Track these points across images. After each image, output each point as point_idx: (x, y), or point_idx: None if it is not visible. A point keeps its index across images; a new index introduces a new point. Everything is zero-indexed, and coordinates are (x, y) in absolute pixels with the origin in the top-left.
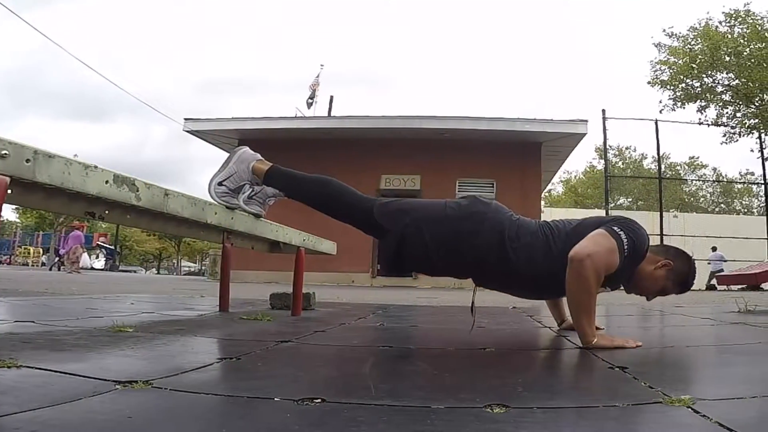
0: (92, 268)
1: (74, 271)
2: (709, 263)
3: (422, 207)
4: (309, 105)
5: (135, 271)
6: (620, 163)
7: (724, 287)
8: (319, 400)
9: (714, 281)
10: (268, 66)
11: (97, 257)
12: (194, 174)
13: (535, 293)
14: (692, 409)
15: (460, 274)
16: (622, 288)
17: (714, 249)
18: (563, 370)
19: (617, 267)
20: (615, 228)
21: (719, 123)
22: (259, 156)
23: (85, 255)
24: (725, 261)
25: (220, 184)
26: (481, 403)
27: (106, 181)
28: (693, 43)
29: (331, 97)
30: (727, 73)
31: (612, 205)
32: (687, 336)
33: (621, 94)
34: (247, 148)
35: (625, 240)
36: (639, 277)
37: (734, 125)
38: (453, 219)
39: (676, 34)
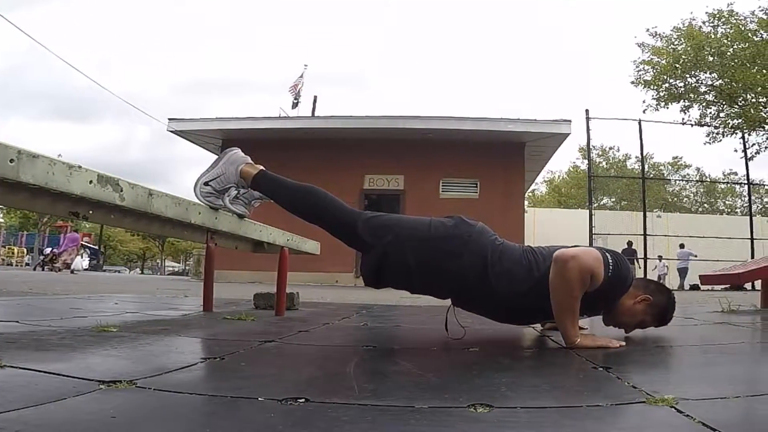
0: (86, 270)
1: (62, 269)
2: (678, 260)
3: (407, 225)
4: (294, 105)
5: (119, 271)
6: (604, 163)
7: (708, 287)
8: (302, 400)
9: (684, 281)
10: (253, 67)
11: (81, 257)
12: (178, 174)
13: (513, 319)
14: (675, 408)
15: (439, 294)
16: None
17: (681, 246)
18: (547, 370)
19: (600, 282)
20: (601, 249)
21: (702, 123)
22: (249, 159)
23: (78, 258)
24: (694, 258)
25: (206, 184)
26: (465, 403)
27: (90, 181)
28: (676, 43)
29: (315, 97)
30: (710, 73)
31: (596, 205)
32: (670, 336)
33: (605, 94)
34: (238, 150)
35: (611, 261)
36: (619, 310)
37: (717, 125)
38: (436, 239)
39: (659, 34)
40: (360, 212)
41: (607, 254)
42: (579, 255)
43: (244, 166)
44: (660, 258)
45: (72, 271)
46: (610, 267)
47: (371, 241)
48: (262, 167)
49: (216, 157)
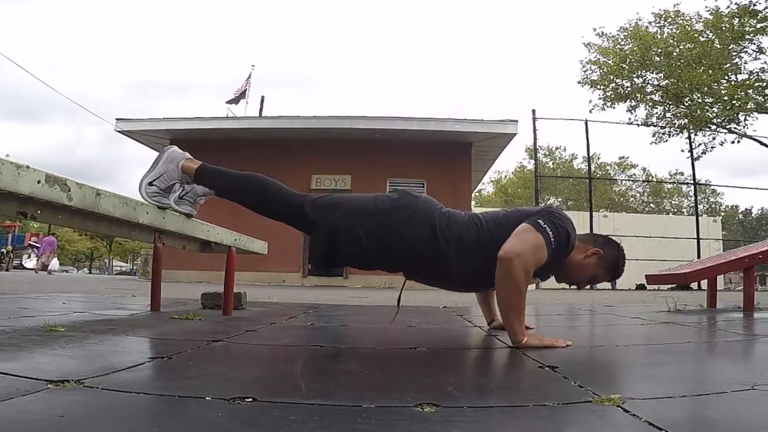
0: (66, 272)
1: (37, 270)
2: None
3: (353, 201)
4: (236, 101)
5: (67, 271)
6: (550, 163)
7: (654, 287)
8: (250, 400)
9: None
10: (200, 68)
11: (29, 257)
12: (127, 174)
13: (466, 285)
14: (622, 408)
15: (391, 267)
16: (553, 279)
17: None
18: (494, 370)
19: (546, 261)
20: (540, 222)
21: (649, 123)
22: (188, 155)
23: (54, 259)
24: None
25: (150, 184)
26: (412, 402)
27: (38, 181)
28: (623, 43)
29: (263, 98)
30: (657, 73)
31: (542, 204)
32: (617, 335)
33: (552, 94)
34: (175, 148)
35: (551, 233)
36: (569, 266)
37: (664, 125)
38: (384, 212)
39: (606, 34)
40: (305, 194)
41: (546, 227)
42: (523, 253)
43: (185, 162)
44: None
45: (49, 272)
46: (553, 242)
47: (319, 220)
48: (202, 162)
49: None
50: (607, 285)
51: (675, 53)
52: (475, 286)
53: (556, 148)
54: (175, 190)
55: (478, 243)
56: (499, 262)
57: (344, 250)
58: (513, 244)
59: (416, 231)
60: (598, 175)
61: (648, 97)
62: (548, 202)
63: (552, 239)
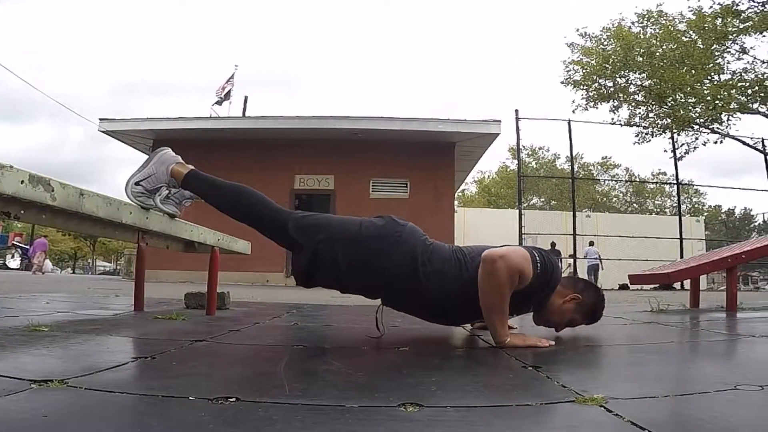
0: (53, 272)
1: (37, 272)
2: (585, 257)
3: (338, 224)
4: (220, 102)
5: (52, 271)
6: (533, 163)
7: (637, 287)
8: (233, 399)
9: (595, 278)
10: (184, 68)
11: (13, 257)
12: (111, 174)
13: (445, 319)
14: (605, 407)
15: (369, 293)
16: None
17: (591, 244)
18: (476, 369)
19: (529, 280)
20: (528, 247)
21: (632, 123)
22: (179, 159)
23: (47, 261)
24: (594, 259)
25: (137, 184)
26: (395, 402)
27: (22, 181)
28: (606, 43)
29: (246, 98)
30: (639, 74)
31: (525, 204)
32: (600, 335)
33: (535, 94)
34: (168, 150)
35: (538, 258)
36: (548, 310)
37: (647, 125)
38: (366, 239)
39: (589, 35)
40: (291, 212)
41: (534, 252)
42: (507, 254)
43: (175, 166)
44: (591, 243)
45: (42, 273)
46: (538, 265)
47: (302, 240)
48: (192, 167)
49: (147, 157)
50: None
51: (658, 53)
52: (453, 321)
53: (540, 148)
54: (161, 193)
55: (460, 279)
56: (483, 263)
57: (323, 272)
58: (497, 249)
59: (397, 261)
60: (581, 175)
61: (631, 97)
62: (531, 202)
63: (538, 262)
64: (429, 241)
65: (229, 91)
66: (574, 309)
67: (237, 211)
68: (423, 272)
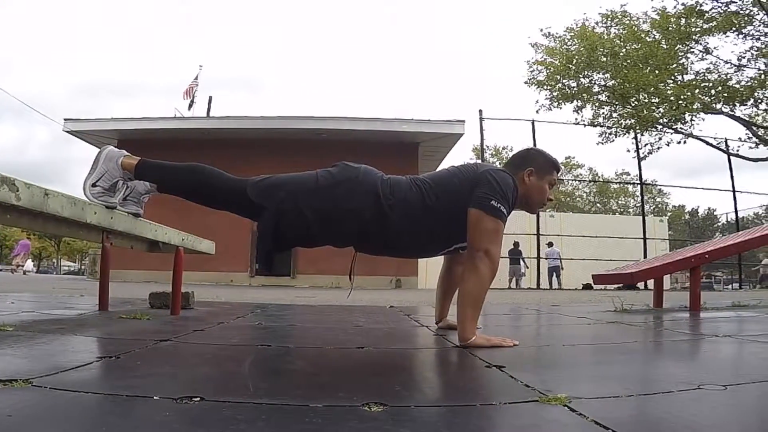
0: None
1: (17, 271)
2: (546, 258)
3: (295, 180)
4: (189, 106)
5: (31, 270)
6: (497, 162)
7: (601, 286)
8: (198, 399)
9: (554, 279)
10: (149, 69)
11: None
12: (76, 175)
13: (416, 250)
14: (568, 407)
15: (340, 242)
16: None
17: (550, 245)
18: (441, 369)
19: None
20: (493, 203)
21: (596, 123)
22: (125, 152)
23: (29, 261)
24: (554, 258)
25: (94, 185)
26: (360, 402)
27: None
28: (570, 43)
29: (210, 98)
30: (603, 74)
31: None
32: (563, 335)
33: (499, 94)
34: (112, 147)
35: (503, 208)
36: (524, 201)
37: (610, 125)
38: (326, 187)
39: (553, 35)
40: (246, 178)
41: (500, 208)
42: (491, 248)
43: (124, 159)
44: (550, 244)
45: (24, 273)
46: (506, 213)
47: (263, 203)
48: (140, 157)
49: (94, 159)
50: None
51: (621, 53)
52: (424, 251)
53: (503, 148)
54: (119, 188)
55: (424, 206)
56: (468, 253)
57: (291, 230)
58: (478, 240)
59: (360, 201)
60: None
61: (594, 97)
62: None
63: (505, 212)
64: (386, 177)
65: (195, 92)
66: (537, 178)
67: (193, 189)
68: (387, 205)
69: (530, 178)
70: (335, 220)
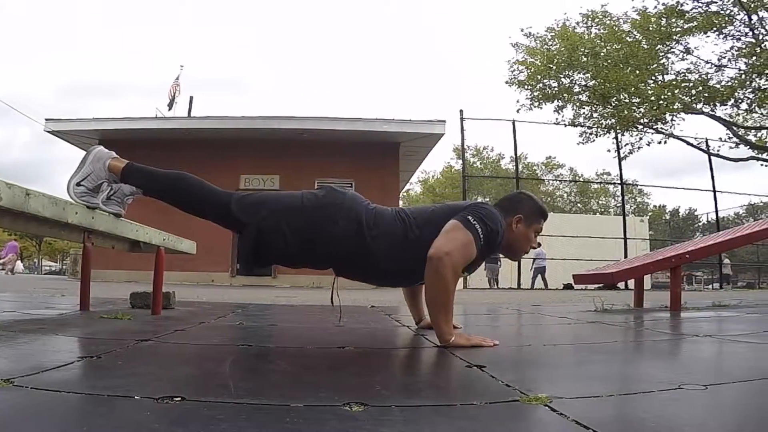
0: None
1: (8, 272)
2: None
3: (279, 199)
4: (170, 107)
5: (21, 271)
6: (478, 163)
7: (582, 286)
8: (179, 399)
9: (537, 280)
10: (130, 70)
11: None
12: (58, 175)
13: (394, 281)
14: (549, 407)
15: (319, 264)
16: (480, 278)
17: (538, 245)
18: (421, 369)
19: (476, 254)
20: (470, 218)
21: (576, 123)
22: (114, 154)
23: (18, 262)
24: (542, 259)
25: (78, 184)
26: (340, 402)
27: None
28: (550, 43)
29: (191, 98)
30: (584, 74)
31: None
32: (544, 335)
33: (479, 94)
34: (101, 147)
35: (480, 229)
36: (509, 246)
37: (591, 125)
38: (310, 209)
39: (533, 35)
40: (232, 192)
41: (475, 224)
42: (451, 252)
43: (111, 161)
44: (538, 245)
45: (13, 273)
46: (482, 238)
47: (246, 218)
48: (128, 160)
49: (82, 157)
50: (539, 284)
51: (602, 53)
52: (402, 283)
53: (484, 148)
54: (103, 190)
55: (406, 239)
56: (429, 261)
57: (271, 249)
58: (442, 243)
59: (342, 228)
60: (525, 175)
61: (575, 97)
62: (475, 199)
63: (481, 235)
64: (372, 206)
65: (176, 92)
66: (525, 226)
67: (177, 197)
68: (370, 235)
69: (518, 225)
70: (315, 243)
